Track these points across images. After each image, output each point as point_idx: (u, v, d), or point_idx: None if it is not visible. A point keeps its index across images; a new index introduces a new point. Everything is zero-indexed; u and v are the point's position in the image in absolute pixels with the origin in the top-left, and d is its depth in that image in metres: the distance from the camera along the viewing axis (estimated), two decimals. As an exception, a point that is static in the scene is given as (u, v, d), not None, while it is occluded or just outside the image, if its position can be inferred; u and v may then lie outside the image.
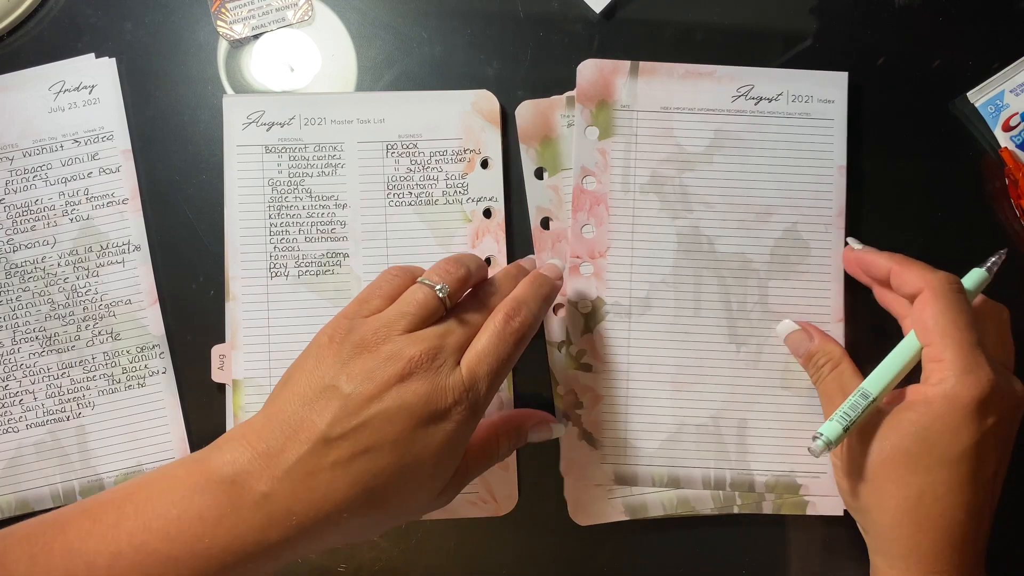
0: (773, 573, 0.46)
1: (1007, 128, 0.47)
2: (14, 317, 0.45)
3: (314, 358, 0.36)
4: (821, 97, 0.47)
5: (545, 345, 0.46)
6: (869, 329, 0.46)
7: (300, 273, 0.46)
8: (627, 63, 0.47)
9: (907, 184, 0.48)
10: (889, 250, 0.43)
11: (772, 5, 0.49)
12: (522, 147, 0.47)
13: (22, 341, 0.45)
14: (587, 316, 0.46)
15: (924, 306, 0.39)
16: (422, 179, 0.46)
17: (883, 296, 0.44)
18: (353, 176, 0.46)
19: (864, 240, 0.45)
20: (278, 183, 0.46)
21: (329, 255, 0.46)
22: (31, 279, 0.45)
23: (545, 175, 0.47)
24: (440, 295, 0.37)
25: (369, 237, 0.46)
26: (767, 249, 0.46)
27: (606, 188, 0.46)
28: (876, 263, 0.43)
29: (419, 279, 0.38)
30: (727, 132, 0.47)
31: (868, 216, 0.47)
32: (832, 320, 0.46)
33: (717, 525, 0.46)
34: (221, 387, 0.46)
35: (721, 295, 0.46)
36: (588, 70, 0.46)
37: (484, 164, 0.47)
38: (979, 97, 0.48)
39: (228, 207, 0.46)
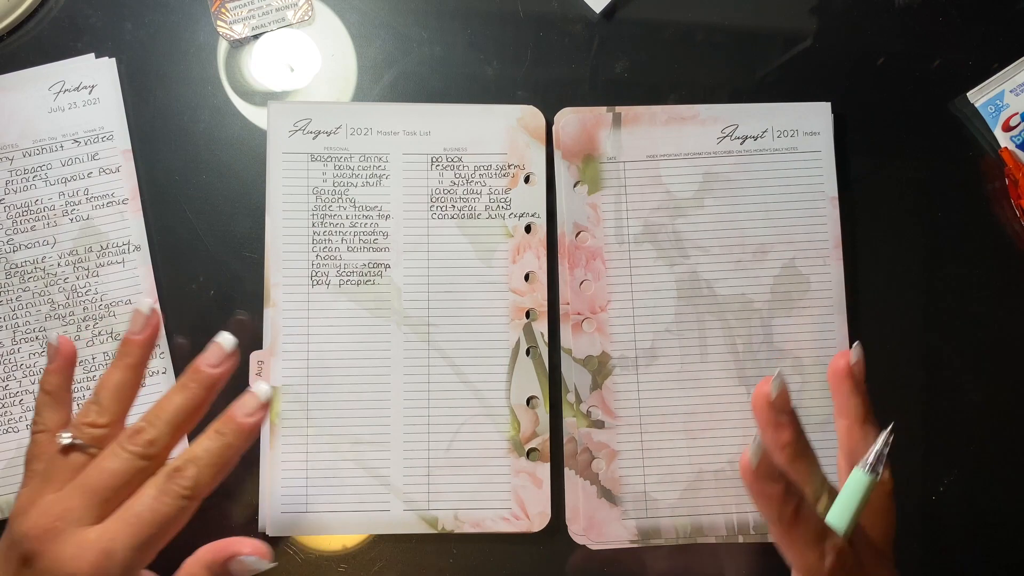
0: None
1: (1007, 128, 0.47)
2: (14, 317, 0.45)
3: None
4: (806, 130, 0.47)
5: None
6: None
7: (341, 282, 0.46)
8: (608, 115, 0.46)
9: (906, 185, 0.48)
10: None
11: (772, 5, 0.49)
12: (564, 162, 0.46)
13: (22, 341, 0.45)
14: (594, 372, 0.45)
15: None
16: (465, 193, 0.46)
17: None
18: (397, 187, 0.46)
19: (864, 241, 0.45)
20: (322, 192, 0.46)
21: (371, 265, 0.46)
22: (31, 279, 0.45)
23: (584, 192, 0.46)
24: (63, 442, 0.35)
25: (411, 249, 0.46)
26: (767, 287, 0.46)
27: (600, 242, 0.46)
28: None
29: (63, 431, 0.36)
30: (716, 174, 0.46)
31: (867, 217, 0.47)
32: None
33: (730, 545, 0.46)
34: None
35: (726, 338, 0.46)
36: (570, 125, 0.46)
37: (527, 179, 0.46)
38: (979, 97, 0.48)
39: (270, 214, 0.46)
